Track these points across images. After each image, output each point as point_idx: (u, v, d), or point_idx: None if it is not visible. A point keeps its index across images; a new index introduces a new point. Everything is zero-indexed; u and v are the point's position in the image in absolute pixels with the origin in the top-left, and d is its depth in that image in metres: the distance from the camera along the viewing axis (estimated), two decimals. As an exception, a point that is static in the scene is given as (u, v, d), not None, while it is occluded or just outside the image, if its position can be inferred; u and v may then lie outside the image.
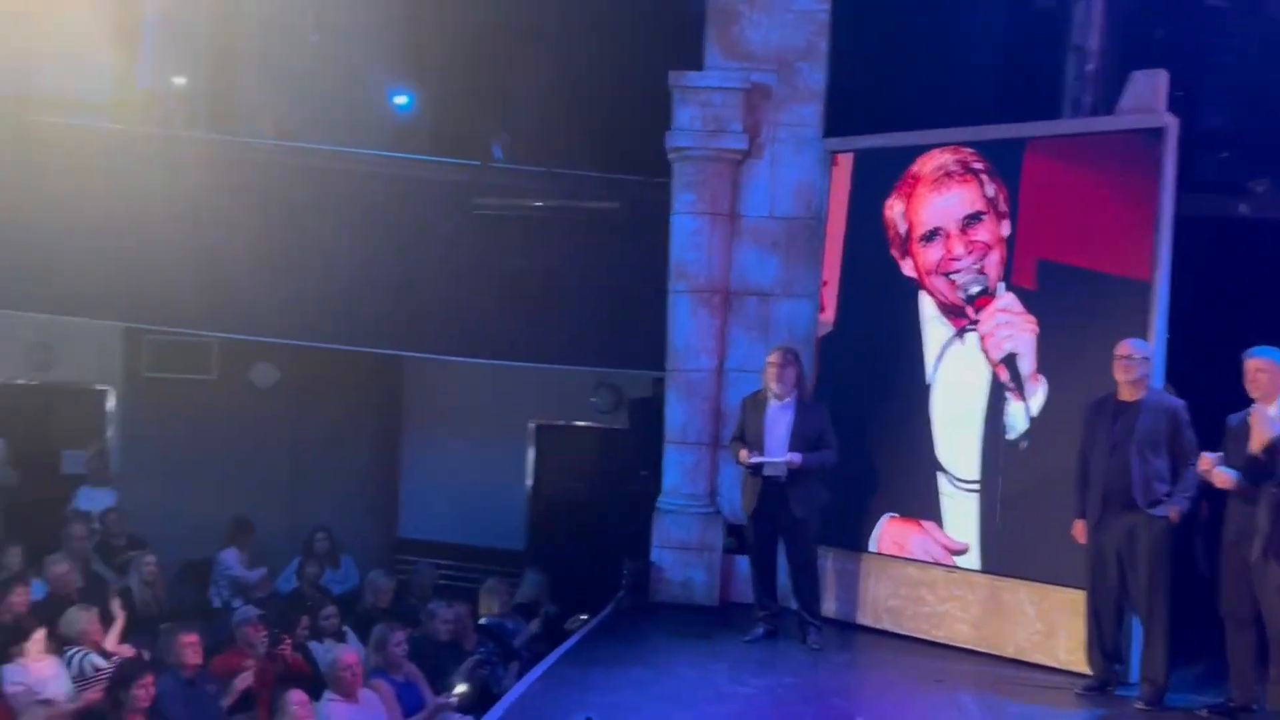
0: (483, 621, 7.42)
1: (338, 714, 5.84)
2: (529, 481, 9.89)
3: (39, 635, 6.09)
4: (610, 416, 9.44)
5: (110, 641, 6.59)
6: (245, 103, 9.32)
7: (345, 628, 7.32)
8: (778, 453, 6.45)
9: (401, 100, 9.44)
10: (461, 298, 8.31)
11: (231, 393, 9.45)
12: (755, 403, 6.67)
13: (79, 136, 8.54)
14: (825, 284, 7.26)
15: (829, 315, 7.24)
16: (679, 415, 7.50)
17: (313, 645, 7.09)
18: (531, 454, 9.86)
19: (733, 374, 7.44)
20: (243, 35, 9.43)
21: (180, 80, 9.33)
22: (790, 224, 7.47)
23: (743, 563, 7.20)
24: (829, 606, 6.96)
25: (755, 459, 6.44)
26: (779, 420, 6.56)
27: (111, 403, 9.85)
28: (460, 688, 6.29)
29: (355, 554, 9.03)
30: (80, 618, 6.41)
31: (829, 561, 6.97)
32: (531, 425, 9.82)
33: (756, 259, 7.51)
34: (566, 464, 9.74)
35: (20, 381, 9.81)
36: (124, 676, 5.71)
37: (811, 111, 7.45)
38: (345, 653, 6.21)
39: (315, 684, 6.24)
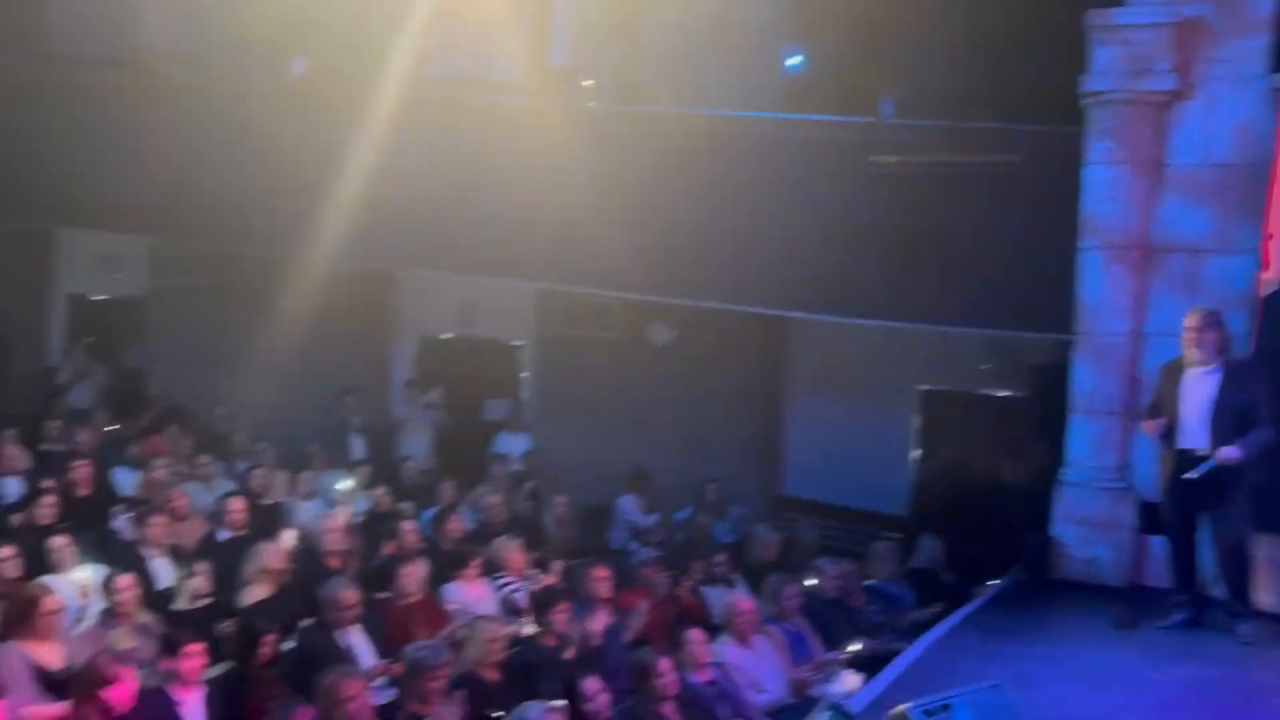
0: (871, 583, 7.38)
1: (733, 656, 6.05)
2: (915, 447, 9.65)
3: (477, 561, 6.83)
4: (1004, 382, 8.99)
5: (535, 571, 7.25)
6: (645, 73, 9.76)
7: (734, 576, 7.58)
8: (1195, 424, 5.85)
9: (794, 61, 9.46)
10: (852, 258, 8.23)
11: (631, 350, 10.02)
12: (1173, 370, 6.08)
13: (498, 113, 9.34)
14: (1269, 238, 6.44)
15: (1273, 273, 6.42)
16: (1087, 381, 7.01)
17: (704, 590, 7.42)
18: (918, 419, 9.60)
19: (1153, 338, 6.82)
20: (641, 9, 9.87)
21: (589, 83, 9.90)
22: (1226, 171, 6.70)
23: (1157, 543, 6.61)
24: (1263, 598, 6.24)
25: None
26: (1198, 389, 5.94)
27: (526, 357, 10.78)
28: (853, 645, 6.29)
29: (741, 507, 9.30)
30: (508, 546, 7.12)
31: (1264, 548, 6.22)
32: (919, 390, 9.56)
33: (1183, 211, 6.82)
34: (956, 430, 9.40)
35: (450, 336, 10.98)
36: (545, 601, 6.28)
37: (1256, 45, 6.63)
38: (741, 599, 6.42)
39: (707, 626, 6.50)
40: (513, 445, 10.08)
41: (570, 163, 8.75)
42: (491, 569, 7.09)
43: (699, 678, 5.67)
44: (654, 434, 9.82)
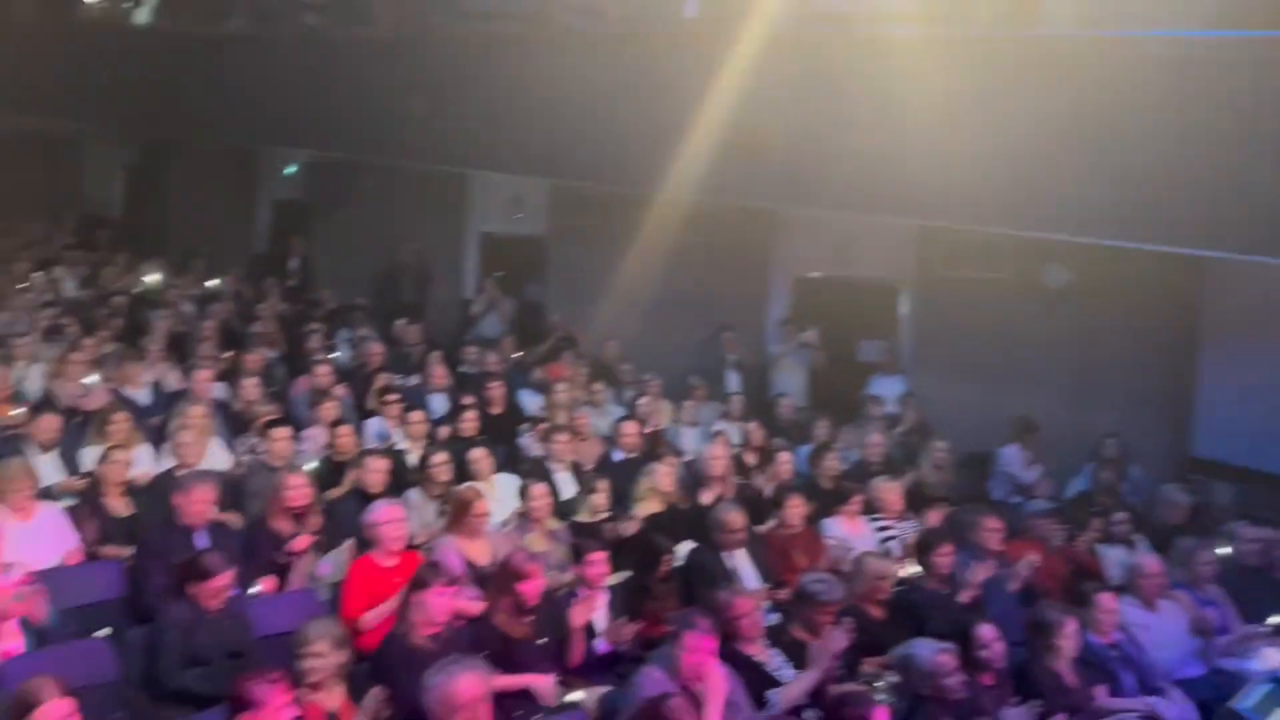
0: (1303, 556, 6.57)
1: (1137, 619, 5.66)
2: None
3: (858, 499, 6.82)
4: None
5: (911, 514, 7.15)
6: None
7: (1136, 536, 7.06)
8: None
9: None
10: (1292, 191, 7.23)
11: (1022, 293, 9.44)
12: None
13: (878, 44, 9.03)
14: None
15: None
16: None
17: (1101, 549, 6.97)
18: (1370, 377, 8.34)
19: None
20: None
21: None
22: None
23: None
24: None
25: None
26: None
27: (904, 298, 10.50)
28: (1276, 619, 5.66)
29: (1142, 465, 8.61)
30: (887, 488, 7.05)
31: None
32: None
33: None
34: None
35: (825, 275, 10.91)
36: (928, 543, 6.16)
37: None
38: (1149, 560, 5.96)
39: (1104, 586, 6.10)
40: (888, 388, 9.92)
41: (958, 92, 8.34)
42: (869, 509, 7.06)
43: (1100, 639, 5.34)
44: (1043, 383, 9.24)
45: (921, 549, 6.19)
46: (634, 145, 10.43)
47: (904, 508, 7.14)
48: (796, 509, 6.57)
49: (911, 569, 6.18)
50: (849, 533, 6.80)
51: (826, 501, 7.12)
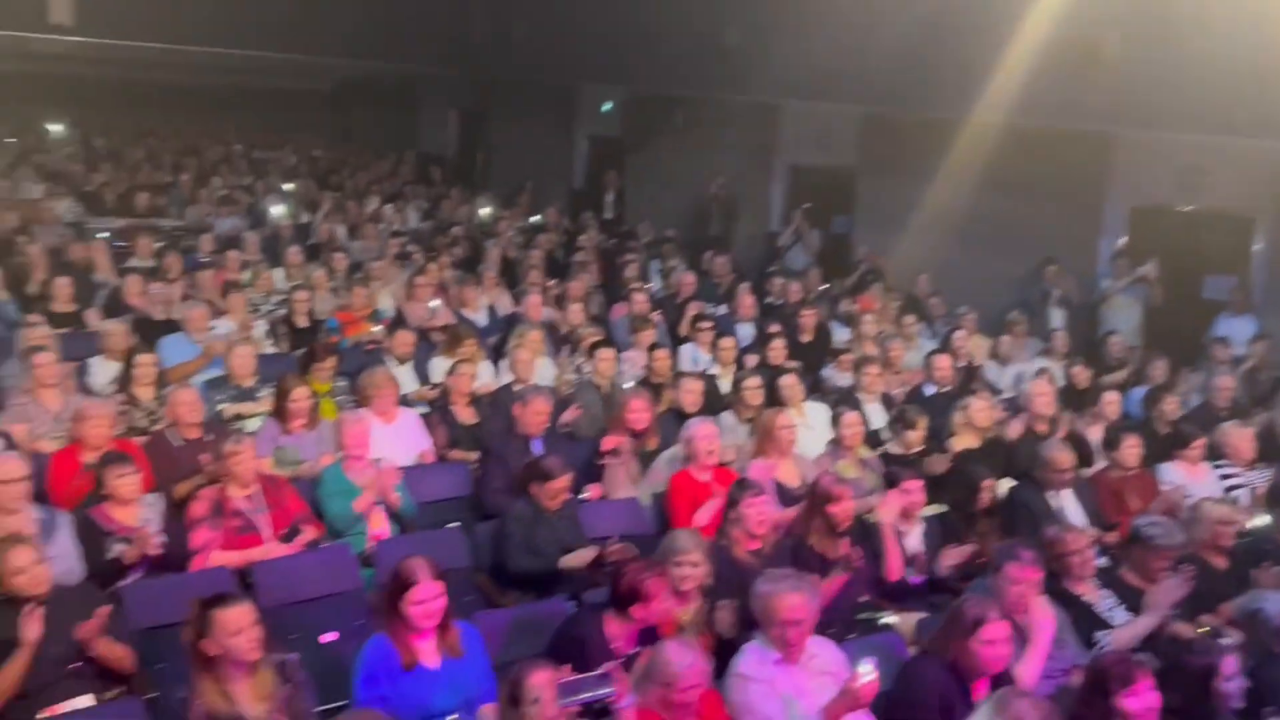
0: None
1: None
2: None
3: (1199, 443, 6.31)
4: None
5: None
6: None
7: None
8: None
9: None
10: None
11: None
12: None
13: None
14: None
15: None
16: None
17: None
18: None
19: None
20: None
21: None
22: None
23: None
24: None
25: None
26: None
27: (1260, 230, 9.45)
28: None
29: None
30: (1239, 434, 6.48)
31: None
32: None
33: None
34: None
35: (1166, 205, 10.00)
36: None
37: None
38: None
39: None
40: (1236, 328, 9.00)
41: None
42: (1213, 455, 6.51)
43: None
44: None
45: (1274, 499, 5.68)
46: (952, 67, 10.03)
47: (1255, 456, 6.53)
48: (1133, 449, 6.16)
49: (1261, 520, 5.67)
50: (1189, 478, 6.31)
51: (1162, 445, 6.63)
